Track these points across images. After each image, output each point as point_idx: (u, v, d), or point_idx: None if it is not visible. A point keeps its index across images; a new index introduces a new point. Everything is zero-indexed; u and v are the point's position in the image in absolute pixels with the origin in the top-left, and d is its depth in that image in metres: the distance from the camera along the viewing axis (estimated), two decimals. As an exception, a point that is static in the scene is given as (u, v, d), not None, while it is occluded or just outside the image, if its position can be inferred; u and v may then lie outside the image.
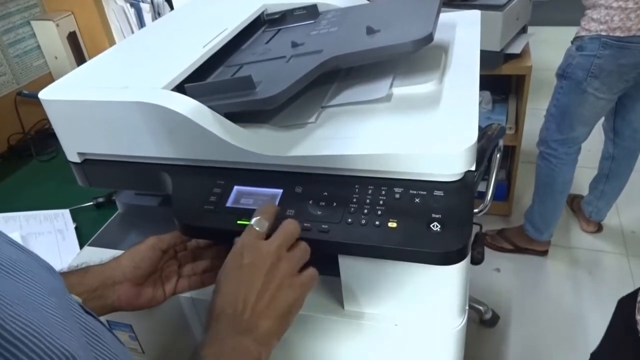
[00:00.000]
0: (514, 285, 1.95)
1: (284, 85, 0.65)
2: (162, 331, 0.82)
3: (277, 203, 0.63)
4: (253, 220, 0.57)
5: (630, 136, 1.84)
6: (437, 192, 0.60)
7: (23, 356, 0.26)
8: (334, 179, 0.64)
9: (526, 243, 2.02)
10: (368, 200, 0.61)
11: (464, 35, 0.86)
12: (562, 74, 1.67)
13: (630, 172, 1.94)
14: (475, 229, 0.88)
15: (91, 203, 1.30)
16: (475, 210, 0.85)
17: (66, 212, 1.26)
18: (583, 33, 1.58)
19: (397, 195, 0.60)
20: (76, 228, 1.23)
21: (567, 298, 1.87)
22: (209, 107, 0.66)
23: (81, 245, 1.17)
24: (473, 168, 0.61)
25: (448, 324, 0.64)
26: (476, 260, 0.98)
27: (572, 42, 1.65)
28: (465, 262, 0.58)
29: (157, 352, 0.86)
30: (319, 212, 0.61)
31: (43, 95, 0.71)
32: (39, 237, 1.17)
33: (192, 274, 0.71)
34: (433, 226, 0.57)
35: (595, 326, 1.74)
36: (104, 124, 0.69)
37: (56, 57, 1.71)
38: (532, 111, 1.89)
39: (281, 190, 0.65)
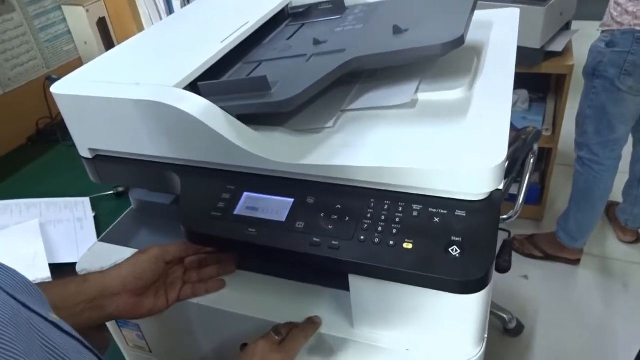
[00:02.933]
0: (542, 294, 1.87)
1: (301, 88, 0.61)
2: (168, 332, 0.80)
3: (287, 213, 0.60)
4: (273, 329, 0.60)
5: None
6: (458, 212, 0.55)
7: None
8: (348, 190, 0.60)
9: (557, 251, 1.93)
10: (383, 217, 0.56)
11: (500, 36, 0.79)
12: (593, 72, 1.57)
13: None
14: (503, 235, 0.82)
15: (111, 192, 1.30)
16: (505, 217, 0.79)
17: (86, 201, 1.26)
18: (615, 26, 1.47)
19: (415, 213, 0.56)
20: (95, 217, 1.22)
21: (598, 310, 1.78)
22: (221, 107, 0.63)
23: (99, 235, 1.17)
24: (501, 187, 0.56)
25: (464, 352, 0.60)
26: (502, 269, 0.92)
27: (602, 33, 1.54)
28: (486, 290, 0.53)
29: (164, 351, 0.85)
30: (330, 227, 0.57)
31: (55, 89, 0.69)
32: (58, 225, 1.17)
33: (196, 281, 0.69)
34: (452, 250, 0.52)
35: (627, 342, 1.65)
36: (113, 121, 0.67)
37: (85, 42, 1.72)
38: (571, 112, 1.79)
39: (292, 200, 0.61)
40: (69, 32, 1.71)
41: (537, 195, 2.10)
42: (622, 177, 1.86)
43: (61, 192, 1.28)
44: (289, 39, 0.84)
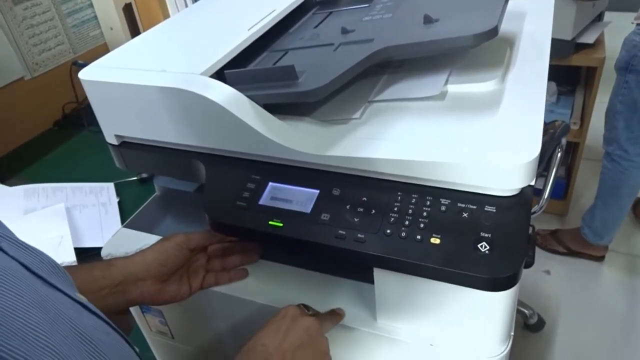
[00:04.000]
0: (564, 290, 1.84)
1: (329, 78, 0.59)
2: (191, 319, 0.81)
3: (312, 204, 0.59)
4: (300, 304, 0.61)
5: None
6: (488, 208, 0.53)
7: None
8: (375, 183, 0.59)
9: (581, 247, 1.90)
10: (410, 211, 0.55)
11: (534, 27, 0.77)
12: (626, 67, 1.52)
13: None
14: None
15: (135, 178, 1.31)
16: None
17: (111, 186, 1.27)
18: None
19: (443, 208, 0.55)
20: (119, 202, 1.24)
21: (622, 308, 1.75)
22: (247, 96, 0.62)
23: (123, 221, 1.18)
24: (533, 183, 0.54)
25: (490, 350, 0.59)
26: (526, 264, 0.91)
27: (637, 26, 1.48)
28: (514, 288, 0.52)
29: (185, 337, 0.86)
30: (355, 220, 0.56)
31: (83, 75, 0.69)
32: (83, 209, 1.19)
33: (220, 270, 0.69)
34: (481, 246, 0.51)
35: (651, 342, 1.62)
36: (140, 107, 0.67)
37: (111, 28, 1.73)
38: (600, 105, 1.74)
39: (317, 191, 0.60)
40: (95, 17, 1.72)
41: (562, 190, 2.06)
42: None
43: (86, 177, 1.30)
44: (316, 27, 0.83)
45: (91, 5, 1.71)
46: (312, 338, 0.55)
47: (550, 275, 1.90)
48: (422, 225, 0.54)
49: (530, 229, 0.91)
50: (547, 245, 1.97)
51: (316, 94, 0.59)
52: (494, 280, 0.50)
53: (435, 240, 0.52)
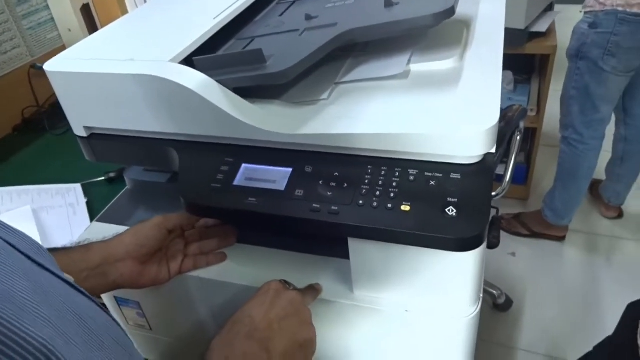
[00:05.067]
0: (530, 270, 1.91)
1: (296, 60, 0.61)
2: (169, 309, 0.81)
3: (286, 182, 0.61)
4: (286, 281, 0.61)
5: None
6: (454, 175, 0.56)
7: None
8: (346, 159, 0.61)
9: (543, 228, 1.98)
10: (381, 182, 0.58)
11: (489, 9, 0.81)
12: (576, 54, 1.60)
13: None
14: (492, 213, 0.85)
15: (103, 178, 1.29)
16: (493, 194, 0.82)
17: (78, 187, 1.25)
18: (598, 7, 1.50)
19: (412, 178, 0.57)
20: (87, 203, 1.22)
21: (584, 285, 1.83)
22: (217, 81, 0.64)
23: (92, 220, 1.17)
24: (493, 150, 0.58)
25: (461, 311, 0.62)
26: (491, 245, 0.95)
27: (585, 14, 1.56)
28: (482, 248, 0.55)
29: (164, 328, 0.86)
30: (329, 193, 0.58)
31: (48, 66, 0.69)
32: (51, 211, 1.17)
33: (198, 253, 0.70)
34: (448, 210, 0.54)
35: (612, 314, 1.70)
36: (109, 97, 0.67)
37: (70, 30, 1.69)
38: (555, 93, 1.83)
39: (291, 170, 0.62)
40: (52, 19, 1.69)
41: (523, 175, 2.14)
42: (605, 156, 1.90)
43: (52, 180, 1.27)
44: (280, 15, 0.85)
45: (47, 7, 1.67)
46: (296, 309, 0.57)
47: (515, 257, 1.97)
48: (392, 195, 0.56)
49: (495, 211, 0.95)
50: (511, 228, 2.04)
51: (285, 75, 0.61)
52: (462, 240, 0.53)
53: (405, 208, 0.55)
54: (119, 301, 0.83)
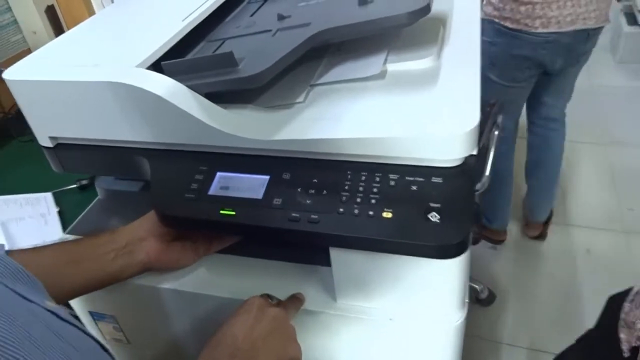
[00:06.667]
0: (511, 264, 1.92)
1: (269, 62, 0.59)
2: (147, 322, 0.78)
3: (263, 190, 0.59)
4: (264, 294, 0.60)
5: (543, 125, 1.75)
6: (435, 179, 0.55)
7: None
8: (325, 164, 0.59)
9: (482, 229, 1.93)
10: (361, 188, 0.56)
11: (464, 4, 0.80)
12: None
13: (556, 169, 1.81)
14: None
15: (75, 186, 1.25)
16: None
17: (48, 196, 1.21)
18: (482, 15, 1.50)
19: (392, 183, 0.56)
20: (59, 212, 1.18)
21: (565, 277, 1.85)
22: (188, 86, 0.61)
23: (65, 229, 1.13)
24: (475, 152, 0.56)
25: (447, 318, 0.61)
26: (474, 241, 0.95)
27: None
28: (466, 254, 0.54)
29: (143, 341, 0.83)
30: (308, 201, 0.56)
31: (8, 75, 0.65)
32: (20, 222, 1.12)
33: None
34: (431, 216, 0.52)
35: (593, 305, 1.72)
36: (74, 105, 0.64)
37: (34, 32, 1.63)
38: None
39: (268, 177, 0.60)
40: (15, 21, 1.62)
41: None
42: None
43: (20, 189, 1.23)
44: (252, 15, 0.82)
45: (9, 8, 1.60)
46: (280, 326, 0.55)
47: (496, 250, 1.98)
48: (373, 201, 0.55)
49: (475, 206, 0.94)
50: None
51: (258, 79, 0.58)
52: (447, 247, 0.51)
53: (387, 215, 0.53)
54: (94, 316, 0.80)
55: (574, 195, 2.17)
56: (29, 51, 1.67)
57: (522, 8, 1.40)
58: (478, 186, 0.85)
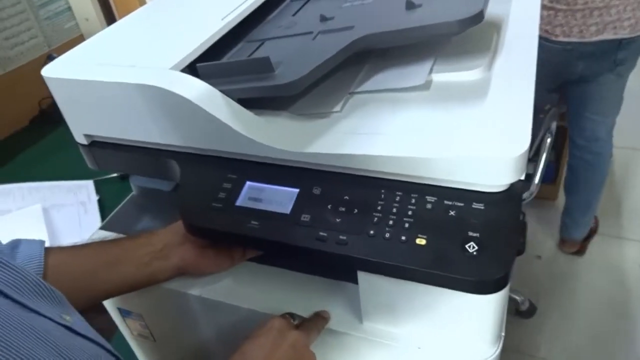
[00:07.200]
0: (556, 275, 1.83)
1: (307, 69, 0.56)
2: (170, 323, 0.78)
3: (292, 205, 0.56)
4: (287, 313, 0.59)
5: (585, 147, 1.63)
6: (476, 205, 0.51)
7: None
8: (357, 180, 0.56)
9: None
10: (394, 210, 0.52)
11: (521, 10, 0.74)
12: None
13: (597, 189, 1.71)
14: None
15: (116, 175, 1.27)
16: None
17: (90, 184, 1.23)
18: None
19: (429, 206, 0.52)
20: (99, 200, 1.20)
21: (614, 293, 1.75)
22: (221, 91, 0.59)
23: (103, 219, 1.15)
24: (523, 177, 0.52)
25: (480, 352, 0.56)
26: (517, 252, 0.89)
27: None
28: (505, 290, 0.50)
29: (168, 340, 0.83)
30: (337, 220, 0.53)
31: (46, 72, 0.65)
32: (61, 209, 1.15)
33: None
34: (469, 247, 0.48)
35: (643, 325, 1.62)
36: (107, 105, 0.63)
37: (87, 19, 1.67)
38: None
39: (297, 190, 0.57)
40: (69, 9, 1.66)
41: (551, 173, 2.04)
42: None
43: (64, 175, 1.25)
44: (294, 15, 0.79)
45: (65, -5, 1.64)
46: (299, 353, 0.53)
47: (541, 259, 1.89)
48: (407, 225, 0.51)
49: (521, 215, 0.89)
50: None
51: (293, 87, 0.55)
52: (484, 282, 0.47)
53: (420, 241, 0.50)
54: (123, 312, 0.80)
55: (627, 206, 2.04)
56: (81, 37, 1.71)
57: (544, 13, 1.31)
58: (525, 195, 0.80)
